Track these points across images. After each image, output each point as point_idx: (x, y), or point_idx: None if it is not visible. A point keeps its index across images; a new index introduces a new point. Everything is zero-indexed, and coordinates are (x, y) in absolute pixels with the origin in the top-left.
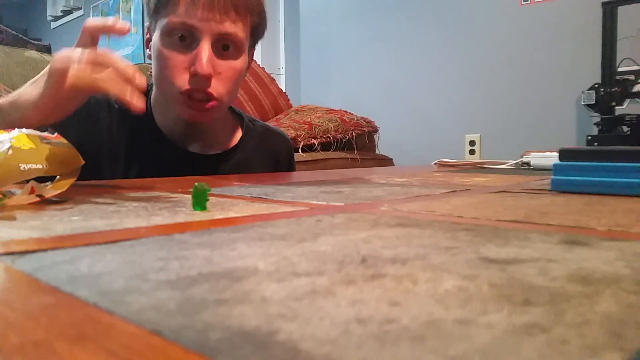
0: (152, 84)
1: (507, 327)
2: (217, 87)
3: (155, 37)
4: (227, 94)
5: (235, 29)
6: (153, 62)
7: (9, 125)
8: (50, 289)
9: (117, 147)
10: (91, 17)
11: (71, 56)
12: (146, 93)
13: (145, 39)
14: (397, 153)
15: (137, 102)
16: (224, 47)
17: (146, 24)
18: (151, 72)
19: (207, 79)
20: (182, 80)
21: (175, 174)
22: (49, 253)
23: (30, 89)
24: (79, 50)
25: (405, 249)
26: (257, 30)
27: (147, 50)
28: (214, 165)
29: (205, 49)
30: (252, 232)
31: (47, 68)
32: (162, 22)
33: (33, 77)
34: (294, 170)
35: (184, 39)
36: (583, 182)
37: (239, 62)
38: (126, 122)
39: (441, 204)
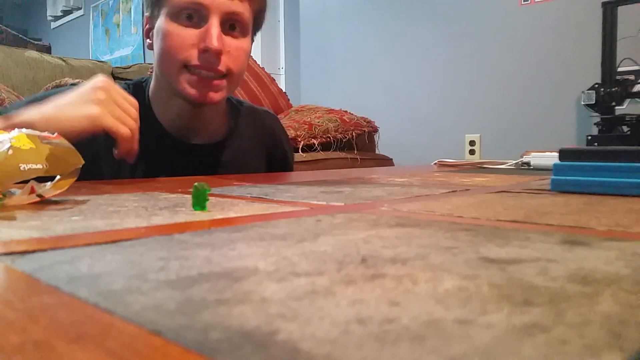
0: (147, 78)
1: (507, 327)
2: (227, 63)
3: (160, 21)
4: (237, 71)
5: (243, 8)
6: (156, 45)
7: None
8: (50, 289)
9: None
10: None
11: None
12: (142, 88)
13: (144, 29)
14: (397, 153)
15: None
16: (230, 26)
17: (146, 14)
18: (151, 71)
19: (218, 55)
20: (191, 55)
21: (177, 167)
22: (49, 253)
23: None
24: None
25: (405, 249)
26: (258, 18)
27: (148, 39)
28: (216, 153)
29: (214, 26)
30: (252, 232)
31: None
32: (168, 5)
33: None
34: (290, 142)
35: (191, 18)
36: (583, 182)
37: (246, 43)
38: None
39: (441, 204)
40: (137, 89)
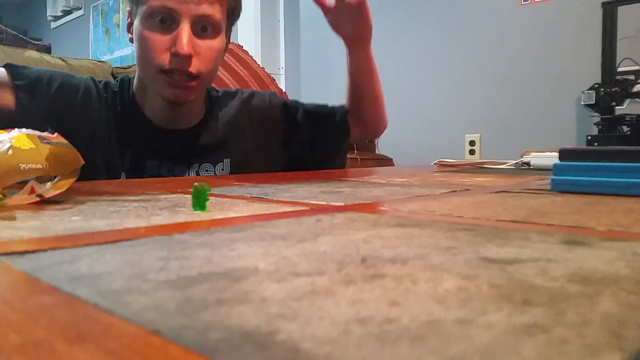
0: (133, 75)
1: (507, 327)
2: (197, 66)
3: (137, 21)
4: (207, 72)
5: (213, 10)
6: (135, 45)
7: None
8: (50, 289)
9: (107, 135)
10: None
11: None
12: (128, 83)
13: (126, 23)
14: (397, 153)
15: None
16: (202, 28)
17: (127, 8)
18: None
19: (188, 58)
20: (163, 59)
21: (161, 150)
22: (49, 253)
23: None
24: None
25: (405, 249)
26: (233, 13)
27: (129, 34)
28: (195, 135)
29: (185, 30)
30: (252, 232)
31: None
32: (142, 7)
33: None
34: (286, 99)
35: (164, 21)
36: (583, 182)
37: (217, 42)
38: (113, 110)
39: (441, 204)
40: (122, 84)
